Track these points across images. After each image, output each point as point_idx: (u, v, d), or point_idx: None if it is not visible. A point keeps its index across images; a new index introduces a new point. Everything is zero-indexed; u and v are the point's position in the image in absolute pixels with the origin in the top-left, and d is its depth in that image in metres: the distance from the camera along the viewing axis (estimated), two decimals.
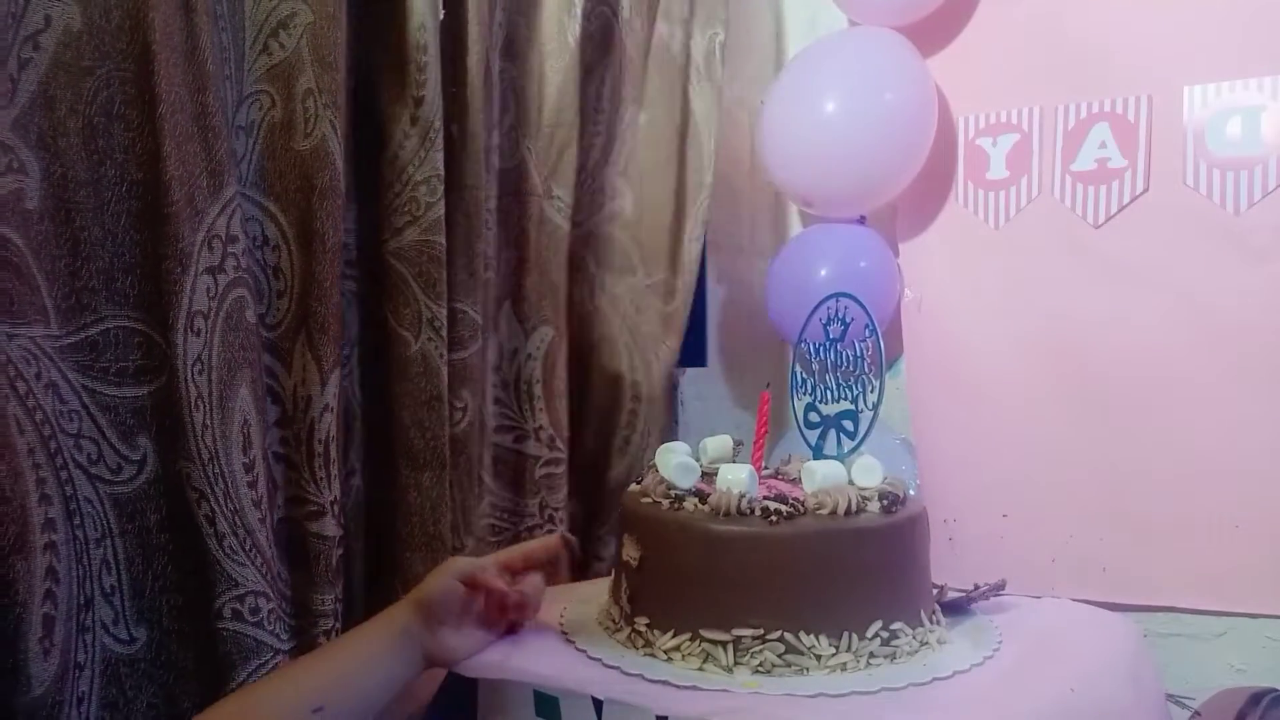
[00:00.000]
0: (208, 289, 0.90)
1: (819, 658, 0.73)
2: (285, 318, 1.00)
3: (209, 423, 0.90)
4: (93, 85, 0.87)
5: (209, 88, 0.90)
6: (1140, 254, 1.35)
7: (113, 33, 0.87)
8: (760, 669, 0.73)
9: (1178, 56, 1.33)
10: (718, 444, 0.93)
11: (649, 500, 0.81)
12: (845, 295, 0.89)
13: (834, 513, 0.76)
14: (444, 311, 1.09)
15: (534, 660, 0.77)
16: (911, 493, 0.83)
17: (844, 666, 0.74)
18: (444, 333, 1.09)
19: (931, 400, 1.52)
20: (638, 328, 1.40)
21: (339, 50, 0.99)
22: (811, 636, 0.73)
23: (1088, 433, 1.38)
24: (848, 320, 0.88)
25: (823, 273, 1.50)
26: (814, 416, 0.90)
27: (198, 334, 0.90)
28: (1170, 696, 1.21)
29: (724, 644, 0.74)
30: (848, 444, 0.86)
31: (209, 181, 0.90)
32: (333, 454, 1.00)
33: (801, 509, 0.76)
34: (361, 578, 1.12)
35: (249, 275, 0.94)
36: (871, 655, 0.75)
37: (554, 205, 1.29)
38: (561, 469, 1.30)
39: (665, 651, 0.76)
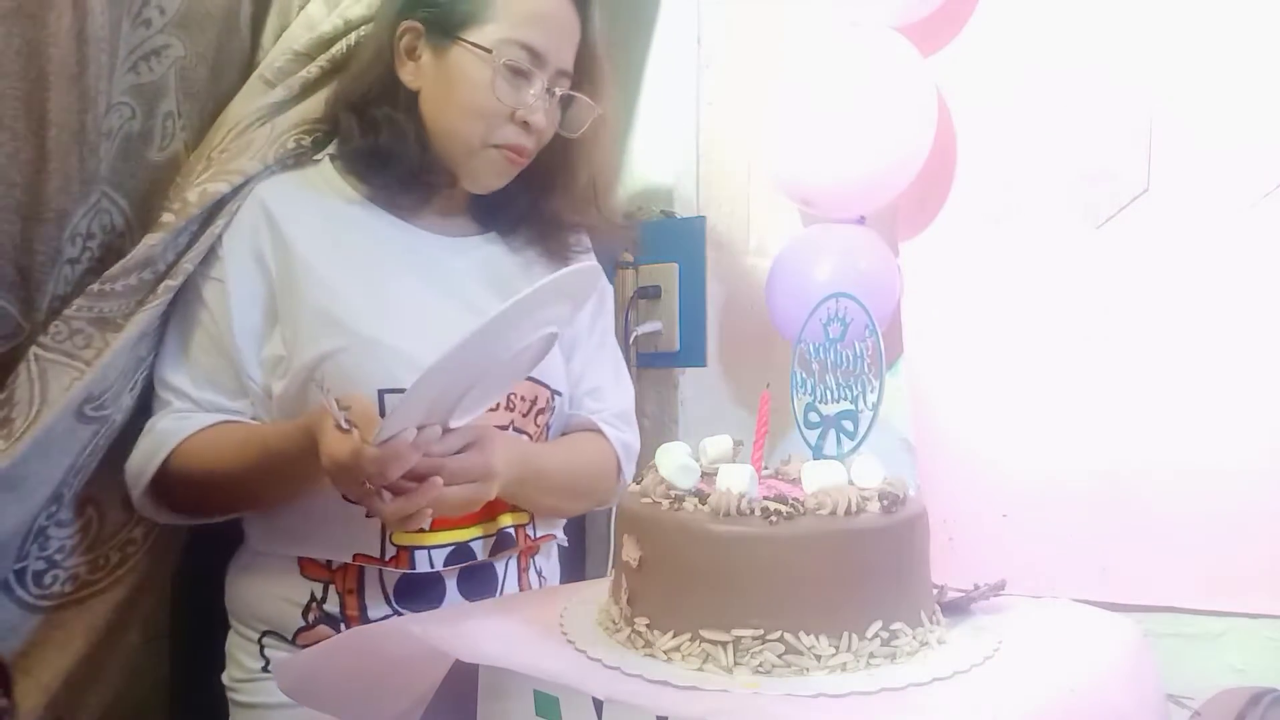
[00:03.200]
0: (66, 277, 1.08)
1: (819, 658, 0.73)
2: None
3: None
4: None
5: (89, 108, 1.05)
6: (1140, 254, 1.35)
7: (12, 56, 1.01)
8: (760, 669, 0.73)
9: (1178, 56, 1.33)
10: (718, 444, 0.93)
11: (649, 500, 0.81)
12: (845, 295, 0.89)
13: (834, 513, 0.76)
14: None
15: (534, 660, 0.77)
16: (911, 493, 0.83)
17: (844, 667, 0.74)
18: None
19: (931, 400, 1.52)
20: None
21: (202, 85, 1.17)
22: (811, 637, 0.73)
23: (1087, 433, 1.38)
24: (848, 320, 0.88)
25: (823, 273, 1.50)
26: (814, 416, 0.90)
27: (55, 313, 1.06)
28: (1170, 696, 1.21)
29: (724, 644, 0.74)
30: (848, 444, 0.86)
31: (79, 189, 1.06)
32: None
33: (801, 509, 0.76)
34: None
35: (98, 263, 1.10)
36: (871, 655, 0.75)
37: None
38: None
39: (665, 652, 0.76)
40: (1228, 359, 1.29)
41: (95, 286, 1.06)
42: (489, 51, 1.06)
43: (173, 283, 1.08)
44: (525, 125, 1.09)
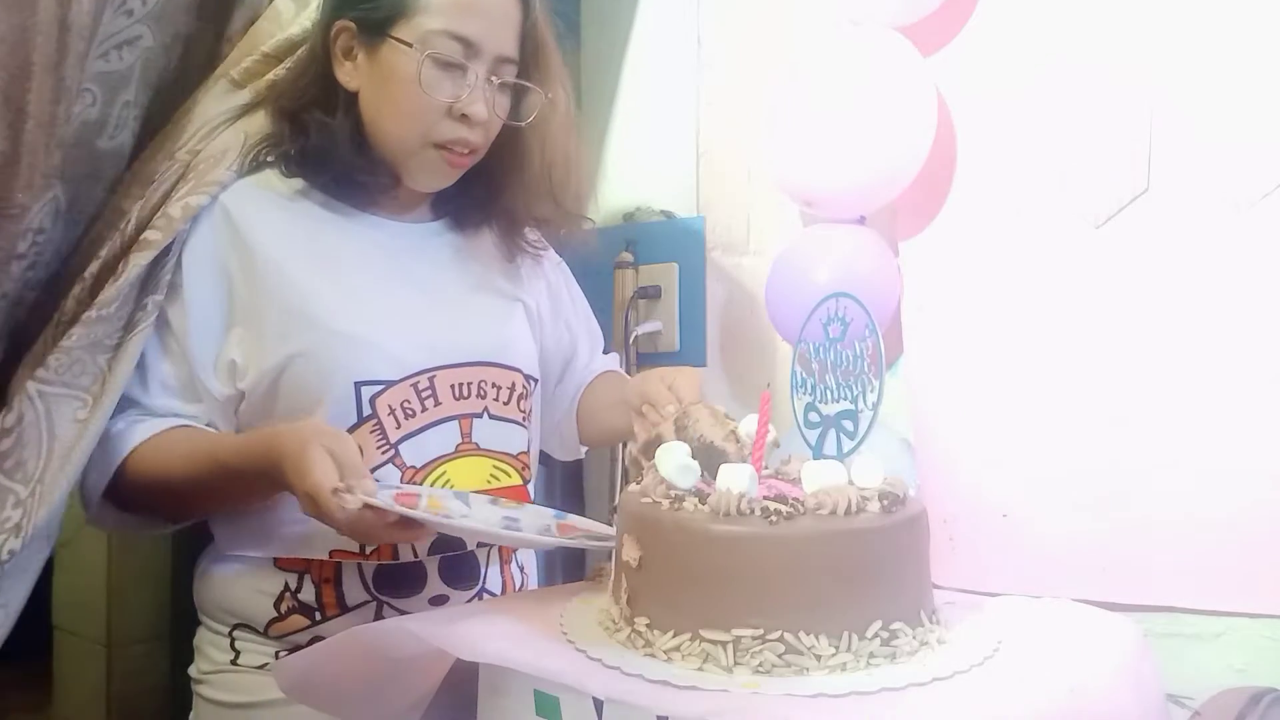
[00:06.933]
0: (13, 274, 1.04)
1: (819, 658, 0.73)
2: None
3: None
4: None
5: (63, 98, 1.01)
6: (1140, 254, 1.35)
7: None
8: (760, 669, 0.73)
9: (1179, 56, 1.33)
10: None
11: (648, 500, 0.81)
12: (845, 295, 0.89)
13: (834, 513, 0.76)
14: None
15: (534, 660, 0.77)
16: (911, 493, 0.83)
17: (844, 666, 0.74)
18: None
19: (931, 400, 1.52)
20: None
21: (161, 74, 1.14)
22: (811, 636, 0.73)
23: (1087, 433, 1.38)
24: (848, 320, 0.88)
25: (823, 273, 1.50)
26: (814, 416, 0.90)
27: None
28: (1170, 696, 1.21)
29: (724, 644, 0.74)
30: (848, 444, 0.86)
31: (41, 183, 1.02)
32: None
33: (801, 509, 0.76)
34: None
35: (38, 258, 1.07)
36: (871, 655, 0.75)
37: None
38: None
39: (665, 652, 0.76)
40: (1228, 359, 1.29)
41: (91, 313, 1.03)
42: (410, 46, 1.03)
43: (158, 297, 1.07)
44: (465, 119, 1.07)
